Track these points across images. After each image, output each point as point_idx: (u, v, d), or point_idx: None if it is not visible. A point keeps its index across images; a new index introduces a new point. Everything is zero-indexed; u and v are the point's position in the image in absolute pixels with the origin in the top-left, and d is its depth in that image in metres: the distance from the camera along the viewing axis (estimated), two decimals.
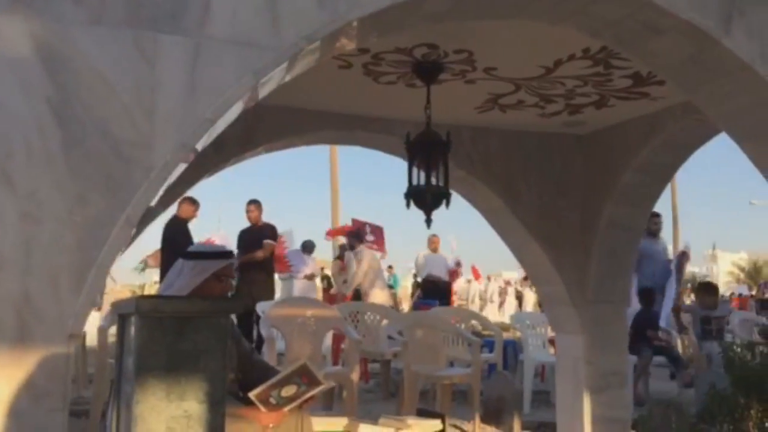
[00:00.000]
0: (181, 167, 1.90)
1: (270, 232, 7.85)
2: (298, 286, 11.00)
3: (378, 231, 12.59)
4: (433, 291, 10.80)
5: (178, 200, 7.53)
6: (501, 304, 19.06)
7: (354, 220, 12.59)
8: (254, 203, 7.93)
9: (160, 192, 1.86)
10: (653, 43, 2.39)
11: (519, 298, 19.72)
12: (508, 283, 20.87)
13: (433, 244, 11.30)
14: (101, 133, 1.70)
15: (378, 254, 12.09)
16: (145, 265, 16.13)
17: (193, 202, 7.72)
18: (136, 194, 1.70)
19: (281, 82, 2.10)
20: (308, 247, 11.55)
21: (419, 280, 12.15)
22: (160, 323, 2.05)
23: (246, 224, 8.12)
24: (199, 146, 1.92)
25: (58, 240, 1.65)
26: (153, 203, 1.83)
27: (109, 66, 1.72)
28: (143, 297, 2.20)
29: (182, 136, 1.76)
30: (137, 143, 1.72)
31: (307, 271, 11.17)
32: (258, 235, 7.75)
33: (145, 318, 2.04)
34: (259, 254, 7.62)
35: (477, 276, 19.86)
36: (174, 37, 1.78)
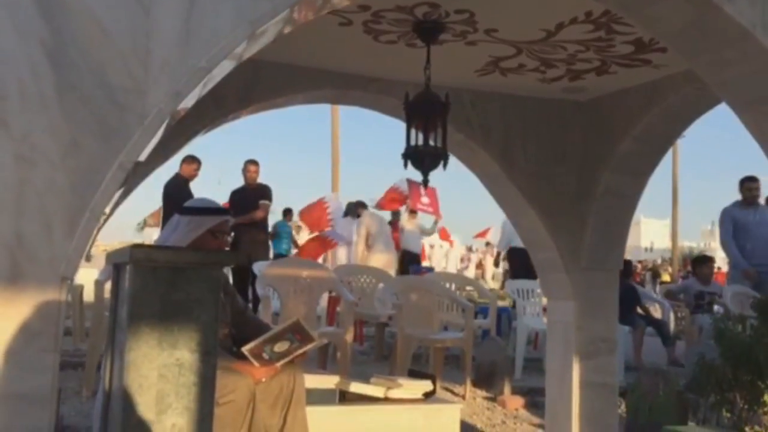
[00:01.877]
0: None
1: (266, 192, 7.85)
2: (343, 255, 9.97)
3: (432, 193, 11.42)
4: (522, 264, 8.86)
5: (181, 158, 7.57)
6: (462, 271, 18.78)
7: (409, 181, 11.28)
8: (255, 163, 7.90)
9: (151, 145, 1.86)
10: (655, 8, 2.37)
11: (481, 266, 19.51)
12: (470, 249, 20.62)
13: None
14: (96, 78, 1.70)
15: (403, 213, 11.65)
16: (144, 224, 16.23)
17: (195, 161, 7.71)
18: (130, 140, 1.71)
19: (278, 35, 2.09)
20: (353, 210, 10.34)
21: (500, 250, 10.25)
22: (153, 273, 2.07)
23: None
24: (192, 100, 1.91)
25: (52, 183, 1.66)
26: (143, 158, 1.84)
27: (104, 11, 1.71)
28: (137, 246, 2.22)
29: (176, 84, 1.76)
30: (131, 89, 1.72)
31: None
32: (254, 195, 7.75)
33: (138, 267, 2.07)
34: (259, 214, 7.63)
35: (446, 237, 19.43)
36: None
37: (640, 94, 3.80)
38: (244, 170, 7.91)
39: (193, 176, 7.72)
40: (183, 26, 1.78)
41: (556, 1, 2.80)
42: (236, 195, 7.95)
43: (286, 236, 12.57)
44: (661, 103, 3.69)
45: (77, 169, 1.67)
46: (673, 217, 22.74)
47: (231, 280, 7.44)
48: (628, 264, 8.45)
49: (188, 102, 1.95)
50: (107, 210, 2.27)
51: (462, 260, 19.19)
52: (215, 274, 2.20)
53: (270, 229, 12.15)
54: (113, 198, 1.87)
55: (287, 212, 13.29)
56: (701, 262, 7.55)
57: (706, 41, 2.43)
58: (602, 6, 2.70)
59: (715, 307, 7.03)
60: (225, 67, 1.93)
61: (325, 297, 7.02)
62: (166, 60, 1.76)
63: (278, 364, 3.16)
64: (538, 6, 2.91)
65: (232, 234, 7.51)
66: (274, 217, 12.42)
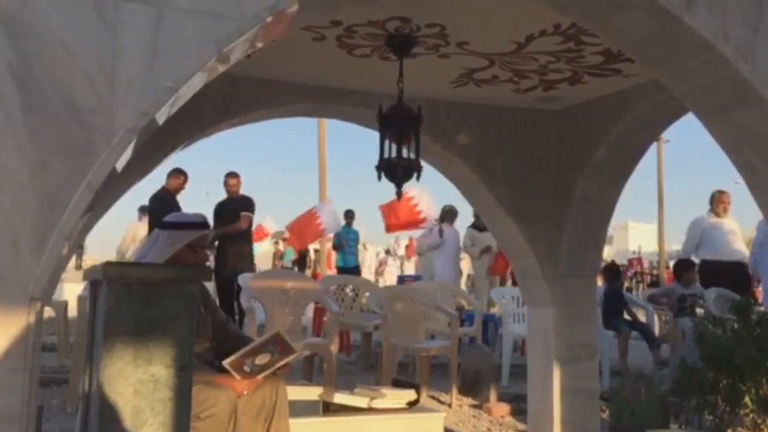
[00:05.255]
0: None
1: (248, 203, 7.84)
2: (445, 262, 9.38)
3: None
4: (716, 279, 6.74)
5: (166, 172, 7.58)
6: (380, 274, 18.45)
7: None
8: (236, 176, 7.90)
9: (124, 160, 1.88)
10: (618, 20, 2.42)
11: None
12: (387, 252, 20.39)
13: (721, 203, 7.18)
14: (62, 99, 1.72)
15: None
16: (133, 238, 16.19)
17: (181, 174, 7.71)
18: (97, 160, 1.73)
19: (247, 53, 2.12)
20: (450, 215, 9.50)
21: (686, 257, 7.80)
22: (127, 290, 2.09)
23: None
24: (161, 119, 1.94)
25: (19, 204, 1.68)
26: (119, 167, 1.86)
27: (70, 33, 1.74)
28: (111, 263, 2.24)
29: (143, 103, 1.78)
30: (98, 110, 1.74)
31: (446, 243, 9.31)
32: (236, 206, 7.74)
33: (112, 284, 2.09)
34: (243, 225, 7.63)
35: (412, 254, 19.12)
36: (136, 5, 1.80)
37: (613, 103, 3.86)
38: (225, 183, 7.92)
39: (179, 189, 7.72)
40: (149, 46, 1.81)
41: (524, 14, 2.85)
42: (220, 207, 7.96)
43: (353, 245, 11.48)
44: (633, 111, 3.74)
45: (44, 190, 1.69)
46: (659, 220, 22.88)
47: (216, 293, 7.45)
48: (617, 269, 8.50)
49: (158, 120, 1.97)
50: (83, 227, 2.28)
51: (379, 264, 18.51)
52: (190, 289, 2.22)
53: (334, 240, 11.54)
54: (85, 215, 1.89)
55: (349, 215, 11.75)
56: (684, 268, 7.65)
57: (669, 51, 2.48)
58: (569, 18, 2.75)
59: (698, 310, 7.09)
60: (193, 86, 1.96)
61: (311, 308, 7.03)
62: (133, 80, 1.78)
63: (260, 377, 3.18)
64: (508, 19, 2.96)
65: (216, 246, 7.52)
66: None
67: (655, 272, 23.84)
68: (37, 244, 1.68)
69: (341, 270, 11.20)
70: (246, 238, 7.80)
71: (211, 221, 7.47)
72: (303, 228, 12.18)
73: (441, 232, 9.39)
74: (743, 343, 3.94)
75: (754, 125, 2.50)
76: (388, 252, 18.80)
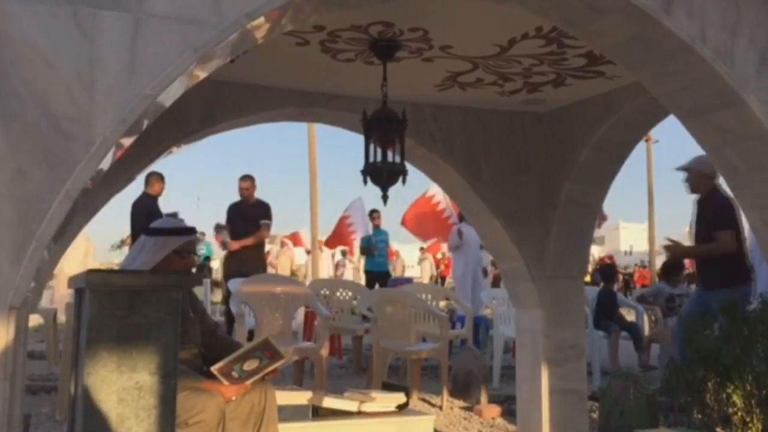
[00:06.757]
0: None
1: (266, 210, 7.61)
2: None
3: None
4: None
5: (146, 176, 7.52)
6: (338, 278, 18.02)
7: None
8: (250, 179, 7.62)
9: (105, 166, 1.88)
10: (598, 23, 2.44)
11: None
12: (344, 254, 20.22)
13: None
14: (40, 107, 1.72)
15: None
16: (121, 244, 16.19)
17: (161, 177, 7.69)
18: (76, 169, 1.73)
19: (228, 59, 2.13)
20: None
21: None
22: (111, 297, 2.09)
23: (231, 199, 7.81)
24: (144, 123, 1.94)
25: None
26: (103, 167, 1.85)
27: (46, 40, 1.74)
28: (94, 271, 2.23)
29: (122, 111, 1.78)
30: (76, 118, 1.74)
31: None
32: (253, 212, 7.52)
33: (95, 292, 2.08)
34: (264, 234, 7.51)
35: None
36: (114, 12, 1.80)
37: (597, 105, 3.88)
38: (242, 188, 7.62)
39: (160, 193, 7.71)
40: (127, 54, 1.81)
41: (506, 17, 2.86)
42: (234, 211, 7.71)
43: (384, 248, 10.78)
44: (617, 113, 3.77)
45: (23, 199, 1.69)
46: (650, 220, 22.94)
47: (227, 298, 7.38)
48: (610, 269, 8.51)
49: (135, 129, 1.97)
50: (66, 235, 2.28)
51: (336, 267, 16.91)
52: (174, 296, 2.21)
53: (362, 243, 11.09)
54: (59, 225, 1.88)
55: (375, 215, 11.03)
56: (672, 270, 7.75)
57: (649, 54, 2.50)
58: (550, 22, 2.76)
59: None
60: (173, 93, 1.96)
61: (301, 312, 7.02)
62: (111, 88, 1.78)
63: (248, 382, 3.17)
64: (490, 22, 2.98)
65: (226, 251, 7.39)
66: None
67: (628, 271, 24.15)
68: (16, 253, 1.68)
69: (370, 274, 10.58)
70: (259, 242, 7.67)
71: (224, 223, 7.39)
72: (339, 235, 11.92)
73: (460, 233, 9.09)
74: (731, 342, 3.96)
75: (733, 126, 2.52)
76: (344, 254, 18.42)
